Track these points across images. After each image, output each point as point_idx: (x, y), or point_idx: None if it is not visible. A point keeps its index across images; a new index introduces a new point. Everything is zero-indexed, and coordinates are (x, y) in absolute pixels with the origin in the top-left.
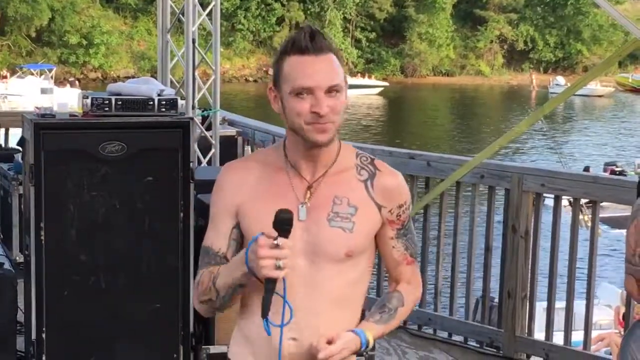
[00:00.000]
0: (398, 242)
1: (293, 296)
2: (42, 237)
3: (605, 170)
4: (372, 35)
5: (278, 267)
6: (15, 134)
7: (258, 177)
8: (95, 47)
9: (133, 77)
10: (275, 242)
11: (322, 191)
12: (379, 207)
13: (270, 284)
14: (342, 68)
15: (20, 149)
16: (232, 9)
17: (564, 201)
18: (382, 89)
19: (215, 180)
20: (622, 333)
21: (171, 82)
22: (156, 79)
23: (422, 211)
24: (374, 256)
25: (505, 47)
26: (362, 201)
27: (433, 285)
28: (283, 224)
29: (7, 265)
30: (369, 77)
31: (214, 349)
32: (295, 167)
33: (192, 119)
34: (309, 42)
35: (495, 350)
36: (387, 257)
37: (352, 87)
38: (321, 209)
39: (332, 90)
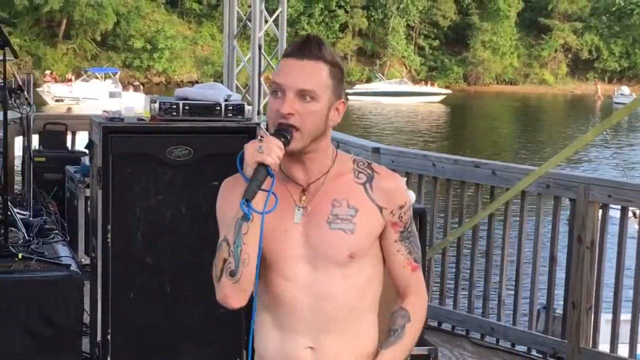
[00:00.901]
0: (402, 245)
1: (300, 305)
2: (109, 240)
3: None
4: (436, 43)
5: (261, 152)
6: (80, 137)
7: None
8: (159, 51)
9: (196, 82)
10: (259, 137)
11: (320, 195)
12: (380, 209)
13: (257, 173)
14: (331, 81)
15: (87, 151)
16: (296, 15)
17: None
18: (444, 96)
19: (219, 193)
20: None
21: (236, 87)
22: (222, 83)
23: (486, 220)
24: (382, 264)
25: (570, 56)
26: (362, 203)
27: (496, 294)
28: (280, 129)
29: (73, 267)
30: (432, 84)
31: None
32: (288, 174)
33: (258, 124)
34: (297, 47)
35: None
36: (392, 263)
37: (414, 94)
38: (320, 213)
39: (304, 94)
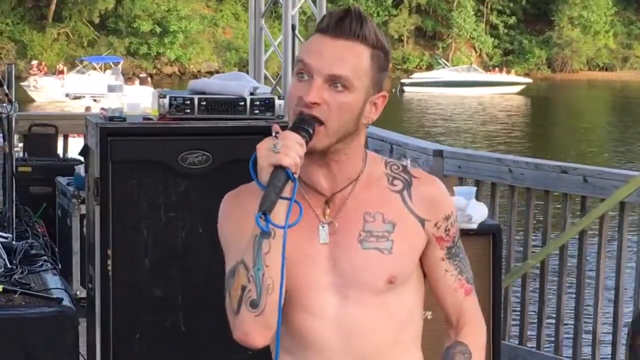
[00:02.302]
0: (450, 264)
1: (329, 346)
2: (109, 268)
3: None
4: (512, 20)
5: (277, 152)
6: (73, 141)
7: None
8: (171, 35)
9: (217, 72)
10: (274, 134)
11: (349, 208)
12: (422, 222)
13: (274, 178)
14: (372, 68)
15: (82, 159)
16: None
17: None
18: (523, 86)
19: (220, 211)
20: None
21: (265, 77)
22: (247, 73)
23: (576, 239)
24: (423, 291)
25: None
26: (400, 216)
27: (590, 335)
28: (299, 123)
29: (66, 302)
30: (508, 72)
31: None
32: (308, 181)
33: None
34: (333, 22)
35: None
36: (440, 287)
37: (486, 84)
38: (349, 230)
39: (336, 81)
